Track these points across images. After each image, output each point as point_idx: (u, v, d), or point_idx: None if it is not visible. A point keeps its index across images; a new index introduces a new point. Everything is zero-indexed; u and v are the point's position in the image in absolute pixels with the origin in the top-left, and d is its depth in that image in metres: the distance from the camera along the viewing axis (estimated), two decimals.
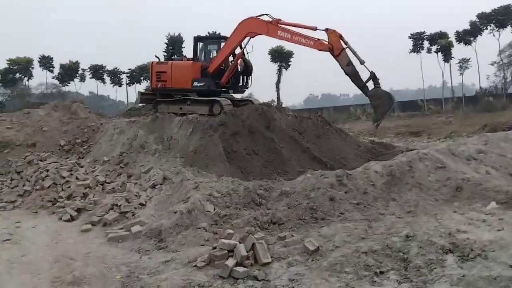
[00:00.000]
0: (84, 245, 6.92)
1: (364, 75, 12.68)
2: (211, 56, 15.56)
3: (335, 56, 12.61)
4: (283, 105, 27.76)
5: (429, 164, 8.52)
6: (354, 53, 12.42)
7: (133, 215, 8.01)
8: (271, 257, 5.42)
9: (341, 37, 12.54)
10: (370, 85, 12.66)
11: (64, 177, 11.22)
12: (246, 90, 16.33)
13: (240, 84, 15.73)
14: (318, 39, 12.86)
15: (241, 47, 14.61)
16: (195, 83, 14.77)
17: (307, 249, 5.54)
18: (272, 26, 13.43)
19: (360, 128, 28.26)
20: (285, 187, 8.09)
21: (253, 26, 13.92)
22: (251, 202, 7.68)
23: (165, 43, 41.26)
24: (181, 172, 9.64)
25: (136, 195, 8.96)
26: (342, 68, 12.68)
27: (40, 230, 7.91)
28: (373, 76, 12.38)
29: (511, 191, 7.39)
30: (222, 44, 15.22)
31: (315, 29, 12.97)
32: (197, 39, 15.67)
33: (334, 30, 12.60)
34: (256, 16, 13.93)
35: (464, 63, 42.21)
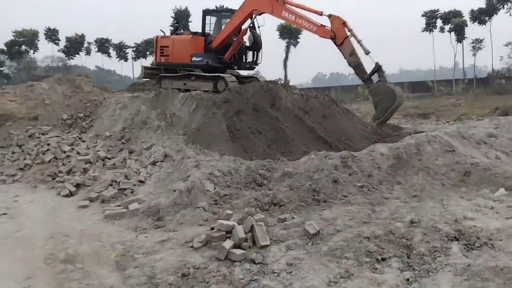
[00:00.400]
0: (80, 221, 6.81)
1: (370, 67, 12.06)
2: (220, 30, 15.20)
3: (338, 45, 12.03)
4: (290, 84, 27.36)
5: (438, 147, 8.25)
6: (358, 42, 11.85)
7: (132, 192, 7.88)
8: (270, 240, 5.26)
9: (345, 24, 11.89)
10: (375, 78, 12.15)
11: (65, 152, 11.10)
12: (256, 66, 16.00)
13: (250, 60, 15.38)
14: (322, 25, 12.33)
15: (247, 24, 14.19)
16: (194, 58, 14.51)
17: (307, 232, 5.36)
18: (278, 5, 12.91)
19: (367, 108, 27.74)
20: (287, 168, 7.88)
21: (258, 4, 13.44)
22: (253, 182, 7.50)
23: (171, 17, 40.62)
24: (182, 149, 9.46)
25: (136, 172, 8.82)
26: (344, 58, 12.12)
27: (38, 205, 7.82)
28: (377, 68, 11.77)
29: None
30: (222, 17, 14.86)
31: (321, 13, 12.36)
32: (205, 12, 15.30)
33: (338, 17, 11.95)
34: None
35: (477, 44, 41.11)
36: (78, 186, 8.66)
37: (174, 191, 7.00)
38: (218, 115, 11.65)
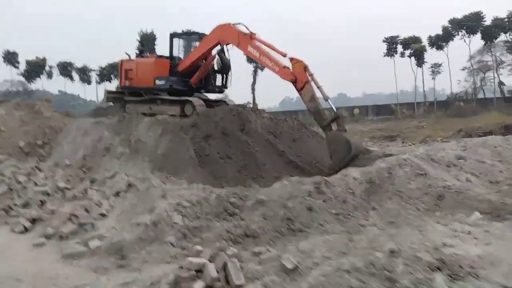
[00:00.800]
0: (34, 262, 6.13)
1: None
2: (187, 54, 14.98)
3: (298, 90, 11.58)
4: (259, 107, 27.35)
5: (409, 171, 8.20)
6: (318, 87, 11.40)
7: (92, 227, 7.25)
8: (244, 278, 4.86)
9: (306, 68, 11.37)
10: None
11: (20, 182, 10.28)
12: (225, 90, 15.79)
13: (219, 83, 15.18)
14: (285, 66, 11.76)
15: (212, 52, 14.02)
16: (157, 81, 14.23)
17: (284, 268, 5.00)
18: (244, 39, 12.53)
19: None
20: (260, 195, 7.54)
21: (225, 35, 13.17)
22: (224, 212, 7.10)
23: (137, 40, 40.16)
24: (148, 178, 8.94)
25: (98, 204, 8.19)
26: (304, 103, 11.69)
27: None
28: (336, 117, 11.30)
29: (493, 200, 7.14)
30: (197, 42, 14.63)
31: (284, 55, 11.90)
32: (173, 35, 15.05)
33: (300, 61, 11.48)
34: (233, 24, 13.01)
35: (436, 68, 43.09)
36: (34, 221, 7.91)
37: (139, 225, 6.48)
38: (186, 140, 11.26)
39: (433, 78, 44.73)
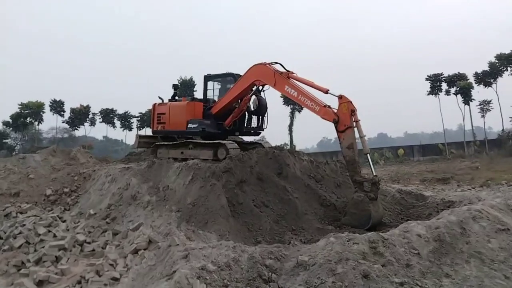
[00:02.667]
0: None
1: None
2: (221, 96, 14.33)
3: (338, 131, 10.54)
4: (296, 149, 26.16)
5: (487, 225, 6.67)
6: (361, 137, 10.42)
7: None
8: None
9: (353, 112, 10.35)
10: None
11: (39, 235, 9.53)
12: (261, 132, 14.86)
13: (255, 125, 14.31)
14: (325, 106, 10.81)
15: (249, 92, 13.24)
16: (190, 125, 13.53)
17: None
18: (281, 79, 11.73)
19: (380, 173, 26.29)
20: (302, 256, 6.21)
21: (260, 75, 12.38)
22: (257, 277, 5.80)
23: (173, 89, 40.70)
24: (171, 233, 7.83)
25: (112, 264, 7.16)
26: (341, 147, 10.64)
27: None
28: (374, 182, 10.15)
29: None
30: (231, 84, 13.95)
31: (326, 92, 10.87)
32: (207, 78, 14.53)
33: (349, 101, 10.36)
34: (268, 63, 12.29)
35: (485, 105, 40.60)
36: (41, 283, 6.97)
37: None
38: (217, 187, 10.12)
39: (483, 116, 42.08)
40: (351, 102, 10.39)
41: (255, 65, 12.59)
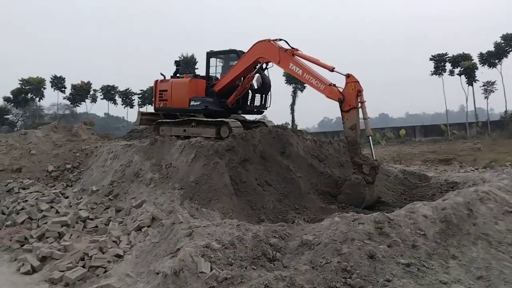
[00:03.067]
0: None
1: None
2: (224, 73, 14.08)
3: (342, 111, 10.38)
4: (298, 128, 25.98)
5: (494, 207, 6.59)
6: (365, 119, 10.24)
7: (104, 271, 6.15)
8: None
9: (359, 93, 10.18)
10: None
11: (42, 211, 9.51)
12: (265, 110, 14.69)
13: (258, 103, 14.10)
14: (330, 84, 10.58)
15: (252, 70, 12.98)
16: (192, 102, 13.29)
17: None
18: (285, 56, 11.45)
19: (381, 154, 26.21)
20: (306, 235, 6.17)
21: (265, 52, 12.09)
22: (262, 256, 5.76)
23: (175, 65, 40.16)
24: (175, 210, 7.79)
25: (115, 241, 7.14)
26: (344, 127, 10.57)
27: None
28: (373, 166, 10.17)
29: None
30: (235, 61, 13.69)
31: (332, 70, 10.62)
32: (209, 54, 14.16)
33: (357, 81, 10.19)
34: (273, 40, 11.95)
35: (489, 86, 40.18)
36: (44, 259, 6.95)
37: (157, 273, 5.28)
38: (221, 166, 10.03)
39: (486, 97, 41.68)
40: (358, 82, 10.22)
41: (259, 41, 12.27)
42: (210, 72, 14.13)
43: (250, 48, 12.50)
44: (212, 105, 13.14)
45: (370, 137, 10.69)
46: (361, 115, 10.35)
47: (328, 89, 10.58)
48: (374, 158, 10.50)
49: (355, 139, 10.34)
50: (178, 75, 14.96)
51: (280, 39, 11.88)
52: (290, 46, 11.61)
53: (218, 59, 14.50)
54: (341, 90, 10.39)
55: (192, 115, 13.66)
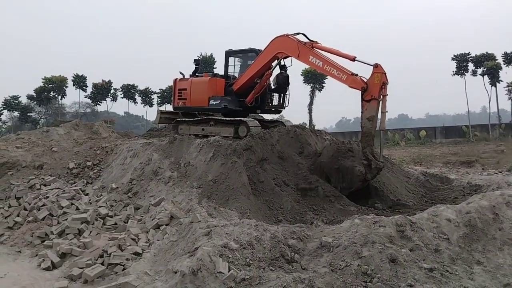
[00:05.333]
0: None
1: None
2: (243, 72, 14.05)
3: (363, 100, 10.23)
4: (316, 128, 25.78)
5: None
6: (382, 112, 10.12)
7: (123, 269, 6.18)
8: None
9: (384, 85, 10.02)
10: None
11: (62, 207, 9.65)
12: (282, 110, 14.57)
13: (276, 103, 14.02)
14: (353, 74, 10.44)
15: (270, 67, 12.91)
16: (211, 101, 13.31)
17: None
18: (305, 49, 11.36)
19: (400, 155, 25.80)
20: (325, 237, 6.08)
21: (283, 46, 12.02)
22: (280, 257, 5.70)
23: (194, 64, 40.32)
24: (193, 209, 7.79)
25: (134, 239, 7.17)
26: (361, 116, 10.40)
27: (7, 283, 6.20)
28: (378, 167, 10.20)
29: None
30: (245, 58, 13.73)
31: (353, 59, 10.53)
32: (228, 54, 14.16)
33: (384, 73, 10.03)
34: (291, 34, 11.89)
35: None
36: (63, 255, 7.04)
37: (176, 272, 5.27)
38: (238, 165, 10.00)
39: (510, 98, 40.55)
40: (385, 74, 10.06)
41: (277, 37, 12.23)
42: (228, 71, 14.14)
43: (268, 44, 12.45)
44: (231, 104, 13.14)
45: (382, 132, 10.64)
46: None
47: (351, 79, 10.42)
48: (381, 160, 10.44)
49: (370, 130, 10.23)
50: (197, 74, 15.00)
51: (298, 33, 11.77)
52: (309, 39, 11.52)
53: (237, 58, 14.49)
54: (364, 79, 10.23)
55: (211, 114, 13.69)
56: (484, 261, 5.49)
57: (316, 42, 11.41)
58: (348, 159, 10.62)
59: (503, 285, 4.99)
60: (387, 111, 10.17)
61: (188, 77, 14.78)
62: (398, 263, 5.19)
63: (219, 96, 13.33)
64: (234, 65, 14.40)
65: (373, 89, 10.02)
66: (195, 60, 15.63)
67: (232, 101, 13.23)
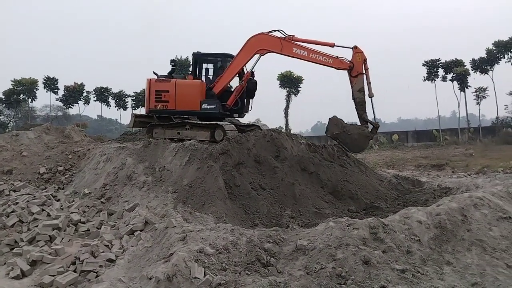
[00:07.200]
0: None
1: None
2: (210, 75, 13.95)
3: (351, 77, 12.30)
4: (292, 132, 26.00)
5: (488, 213, 6.62)
6: (368, 83, 12.31)
7: (96, 276, 6.05)
8: None
9: (365, 61, 12.24)
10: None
11: (33, 214, 9.36)
12: (246, 114, 14.64)
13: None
14: (337, 57, 12.29)
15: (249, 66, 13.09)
16: (204, 105, 13.05)
17: None
18: (287, 43, 12.47)
19: (374, 158, 26.30)
20: (301, 240, 6.14)
21: (264, 43, 12.66)
22: (256, 261, 5.71)
23: (171, 60, 39.94)
24: (168, 214, 7.71)
25: (108, 245, 7.03)
26: (352, 91, 12.45)
27: None
28: (375, 126, 12.64)
29: None
30: (220, 62, 13.71)
31: (333, 45, 12.27)
32: (196, 56, 13.92)
33: (362, 52, 12.23)
34: (267, 32, 12.73)
35: (481, 92, 40.50)
36: (34, 263, 6.83)
37: (150, 278, 5.21)
38: (215, 169, 9.97)
39: (478, 103, 42.01)
40: (363, 52, 12.22)
41: (254, 36, 12.84)
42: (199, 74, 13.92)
43: (246, 44, 12.86)
44: (221, 109, 13.13)
45: (371, 99, 12.44)
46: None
47: (337, 62, 12.31)
48: (376, 122, 12.66)
49: (363, 99, 12.35)
50: (173, 75, 14.46)
51: (275, 30, 12.77)
52: (286, 34, 12.56)
53: (207, 61, 14.23)
54: (347, 60, 12.26)
55: (186, 118, 13.47)
56: (453, 261, 5.67)
57: (293, 36, 12.53)
58: (351, 127, 12.69)
59: (471, 284, 5.17)
60: (371, 82, 12.32)
61: (161, 77, 14.09)
62: (371, 264, 5.30)
63: (212, 100, 13.14)
64: (206, 68, 14.17)
65: (358, 66, 12.18)
66: (172, 60, 14.79)
67: (220, 106, 13.17)
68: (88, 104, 43.53)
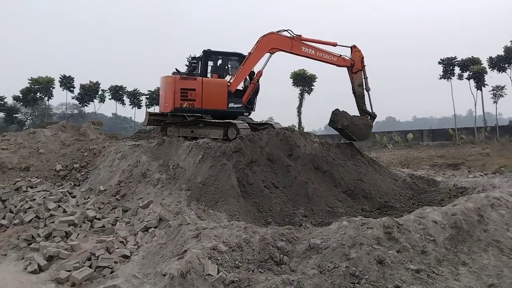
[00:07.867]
0: None
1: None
2: (222, 74, 13.94)
3: (352, 73, 13.51)
4: (305, 130, 25.93)
5: (505, 214, 6.51)
6: (365, 78, 13.62)
7: (111, 271, 6.14)
8: None
9: (362, 59, 13.56)
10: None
11: (49, 210, 9.54)
12: (253, 112, 14.65)
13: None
14: (340, 55, 13.48)
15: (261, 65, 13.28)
16: (231, 104, 13.29)
17: None
18: (296, 42, 13.22)
19: (388, 157, 26.07)
20: (314, 239, 6.12)
21: (276, 42, 13.18)
22: (269, 259, 5.72)
23: (186, 65, 40.08)
24: (182, 211, 7.77)
25: (123, 241, 7.13)
26: (352, 85, 13.66)
27: None
28: (374, 116, 13.91)
29: None
30: (232, 61, 13.78)
31: (335, 44, 13.45)
32: (207, 54, 13.62)
33: (360, 50, 13.56)
34: (277, 31, 13.28)
35: (498, 91, 39.70)
36: (50, 258, 6.96)
37: (164, 275, 5.26)
38: (228, 167, 10.00)
39: (495, 102, 41.17)
40: (361, 51, 13.58)
41: (265, 35, 13.25)
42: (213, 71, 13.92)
43: (258, 43, 13.16)
44: (244, 108, 13.58)
45: (368, 92, 13.75)
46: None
47: (340, 59, 13.51)
48: (374, 112, 13.88)
49: (362, 93, 13.63)
50: (194, 72, 14.24)
51: (284, 30, 13.36)
52: (294, 34, 13.31)
53: (217, 59, 14.15)
54: (348, 59, 13.50)
55: (200, 116, 13.42)
56: (469, 262, 5.59)
57: (301, 35, 13.37)
58: (357, 118, 13.58)
59: (488, 286, 5.09)
60: (367, 77, 13.68)
61: (183, 75, 13.83)
62: (386, 264, 5.26)
63: (238, 99, 13.41)
64: (213, 66, 14.03)
65: (357, 63, 13.51)
66: (192, 58, 14.34)
67: (243, 104, 13.55)
68: (103, 103, 43.91)
